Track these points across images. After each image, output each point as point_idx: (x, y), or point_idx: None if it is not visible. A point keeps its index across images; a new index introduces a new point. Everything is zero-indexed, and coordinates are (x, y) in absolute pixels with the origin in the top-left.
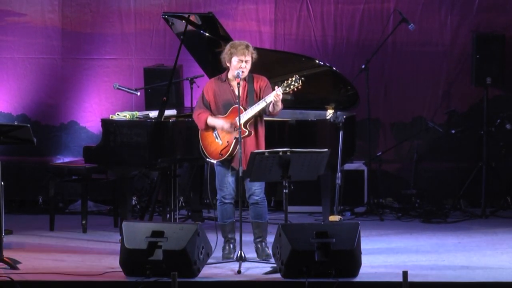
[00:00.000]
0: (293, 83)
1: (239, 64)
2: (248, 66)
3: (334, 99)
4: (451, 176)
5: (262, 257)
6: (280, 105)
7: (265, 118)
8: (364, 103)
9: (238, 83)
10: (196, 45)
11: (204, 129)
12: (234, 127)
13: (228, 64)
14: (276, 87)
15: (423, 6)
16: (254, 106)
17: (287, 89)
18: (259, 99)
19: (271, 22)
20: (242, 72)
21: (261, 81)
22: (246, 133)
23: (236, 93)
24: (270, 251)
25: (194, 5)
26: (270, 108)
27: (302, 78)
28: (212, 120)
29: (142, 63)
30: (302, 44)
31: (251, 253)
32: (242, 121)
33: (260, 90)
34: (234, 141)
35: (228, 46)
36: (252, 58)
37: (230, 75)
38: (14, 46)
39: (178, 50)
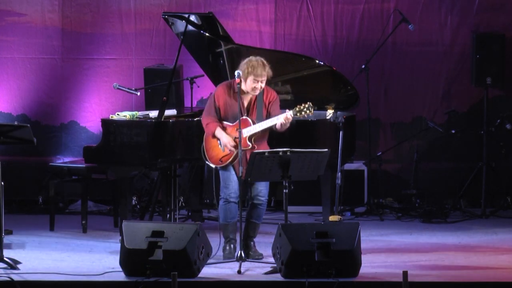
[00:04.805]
0: (305, 109)
1: (254, 84)
2: (263, 85)
3: (334, 99)
4: (451, 176)
5: (255, 257)
6: (288, 125)
7: None
8: (364, 103)
9: (238, 83)
10: (196, 45)
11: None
12: (236, 146)
13: (242, 80)
14: (287, 110)
15: (423, 6)
16: (262, 123)
17: (298, 114)
18: (267, 112)
19: (271, 22)
20: (257, 91)
21: (271, 96)
22: (250, 147)
23: (246, 106)
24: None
25: (194, 5)
26: (278, 126)
27: (315, 107)
28: (219, 134)
29: (142, 63)
30: (302, 44)
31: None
32: (248, 135)
33: (269, 104)
34: (236, 152)
35: (245, 64)
36: (267, 77)
37: (243, 87)
38: (14, 46)
39: (178, 50)
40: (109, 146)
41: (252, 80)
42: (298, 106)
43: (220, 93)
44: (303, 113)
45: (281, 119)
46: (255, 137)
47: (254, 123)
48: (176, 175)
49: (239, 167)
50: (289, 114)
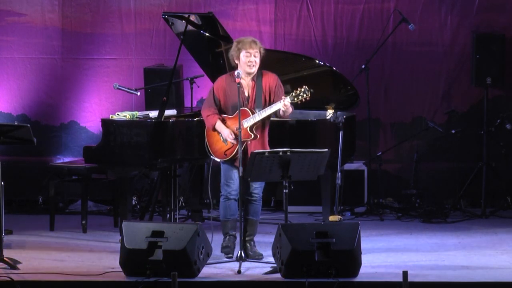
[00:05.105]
0: (301, 93)
1: (247, 58)
2: (258, 60)
3: (334, 99)
4: (451, 176)
5: (254, 257)
6: (290, 110)
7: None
8: (364, 103)
9: (238, 83)
10: (196, 45)
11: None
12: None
13: (236, 61)
14: (283, 97)
15: (423, 6)
16: (261, 112)
17: (295, 99)
18: (268, 99)
19: (271, 22)
20: (253, 66)
21: (271, 80)
22: (252, 137)
23: (246, 94)
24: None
25: (194, 5)
26: (281, 113)
27: (311, 90)
28: (219, 127)
29: (142, 63)
30: (302, 44)
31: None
32: (248, 125)
33: (270, 90)
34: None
35: (235, 43)
36: (260, 53)
37: (241, 72)
38: (14, 46)
39: (178, 50)
40: (109, 146)
41: (244, 55)
42: (294, 91)
43: (219, 85)
44: (300, 97)
45: (279, 106)
46: (256, 126)
47: (253, 113)
48: (176, 175)
49: (239, 167)
50: (286, 100)
